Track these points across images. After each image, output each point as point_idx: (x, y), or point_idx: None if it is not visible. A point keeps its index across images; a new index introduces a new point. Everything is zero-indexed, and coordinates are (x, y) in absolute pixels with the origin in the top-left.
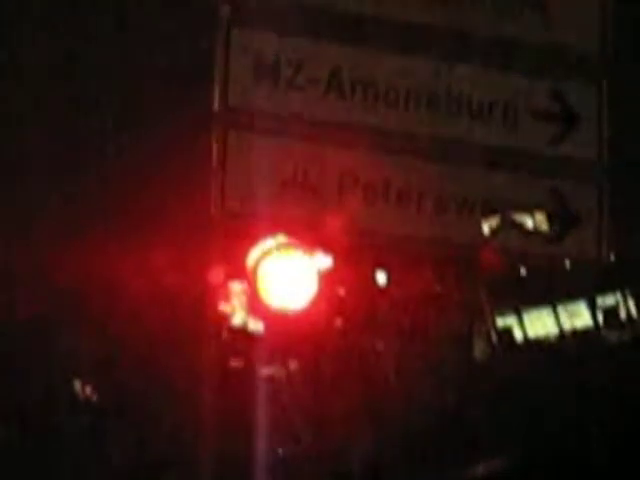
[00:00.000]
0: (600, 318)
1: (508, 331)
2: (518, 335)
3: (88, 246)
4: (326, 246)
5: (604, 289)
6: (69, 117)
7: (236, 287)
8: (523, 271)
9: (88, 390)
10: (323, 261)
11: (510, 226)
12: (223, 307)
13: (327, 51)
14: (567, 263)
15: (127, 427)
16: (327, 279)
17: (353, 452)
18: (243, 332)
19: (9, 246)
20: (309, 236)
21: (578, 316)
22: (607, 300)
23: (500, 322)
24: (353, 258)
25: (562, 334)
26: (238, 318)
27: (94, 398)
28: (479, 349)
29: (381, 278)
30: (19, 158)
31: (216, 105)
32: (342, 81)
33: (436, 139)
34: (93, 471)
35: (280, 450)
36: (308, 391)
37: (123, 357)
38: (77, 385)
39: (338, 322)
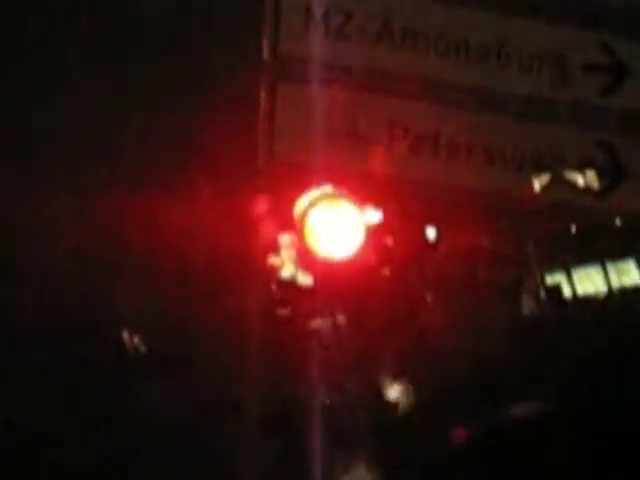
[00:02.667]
0: None
1: (557, 288)
2: (567, 292)
3: (137, 202)
4: (374, 196)
5: None
6: (117, 66)
7: (285, 240)
8: (573, 228)
9: (135, 338)
10: (371, 211)
11: (559, 179)
12: (272, 260)
13: (378, 0)
14: (617, 221)
15: (173, 374)
16: (375, 229)
17: (398, 402)
18: (292, 285)
19: (50, 190)
20: (357, 186)
21: (627, 274)
22: None
23: (549, 279)
24: (401, 209)
25: (611, 292)
26: (287, 271)
27: (141, 346)
28: (527, 305)
29: (430, 230)
30: (65, 103)
31: (265, 54)
32: (392, 30)
33: (486, 90)
34: (140, 417)
35: (327, 399)
36: (354, 341)
37: (171, 308)
38: (124, 333)
39: (385, 272)
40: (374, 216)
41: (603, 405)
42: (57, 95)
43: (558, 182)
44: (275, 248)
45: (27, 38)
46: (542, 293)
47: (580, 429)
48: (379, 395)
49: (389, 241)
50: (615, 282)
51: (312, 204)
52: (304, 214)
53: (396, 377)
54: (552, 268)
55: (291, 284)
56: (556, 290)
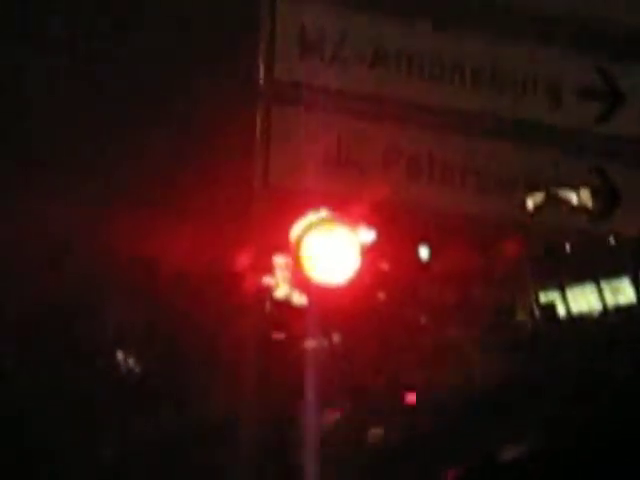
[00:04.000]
0: None
1: (551, 307)
2: (561, 311)
3: (132, 221)
4: (369, 221)
5: None
6: (111, 86)
7: (280, 261)
8: (567, 247)
9: (131, 360)
10: (366, 236)
11: (554, 203)
12: (267, 280)
13: (372, 24)
14: (611, 239)
15: (171, 397)
16: (370, 254)
17: (391, 423)
18: (287, 305)
19: (48, 194)
20: (352, 210)
21: (621, 292)
22: None
23: (543, 298)
24: (396, 233)
25: (605, 310)
26: (281, 291)
27: (137, 368)
28: (522, 324)
29: (424, 253)
30: (61, 127)
31: (261, 79)
32: (387, 55)
33: (481, 115)
34: (137, 437)
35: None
36: (350, 363)
37: (166, 328)
38: (120, 355)
39: (381, 296)
40: (369, 240)
41: (597, 437)
42: (58, 94)
43: (553, 205)
44: (270, 269)
45: (27, 38)
46: (537, 312)
47: (572, 463)
48: (373, 420)
49: (384, 265)
50: (610, 300)
51: (308, 229)
52: (300, 239)
53: (389, 398)
54: (547, 287)
55: (285, 304)
56: (550, 308)
